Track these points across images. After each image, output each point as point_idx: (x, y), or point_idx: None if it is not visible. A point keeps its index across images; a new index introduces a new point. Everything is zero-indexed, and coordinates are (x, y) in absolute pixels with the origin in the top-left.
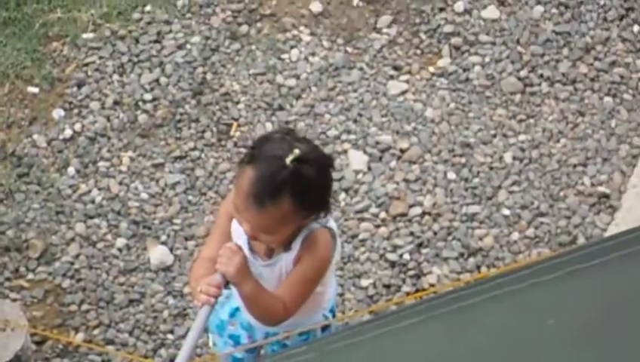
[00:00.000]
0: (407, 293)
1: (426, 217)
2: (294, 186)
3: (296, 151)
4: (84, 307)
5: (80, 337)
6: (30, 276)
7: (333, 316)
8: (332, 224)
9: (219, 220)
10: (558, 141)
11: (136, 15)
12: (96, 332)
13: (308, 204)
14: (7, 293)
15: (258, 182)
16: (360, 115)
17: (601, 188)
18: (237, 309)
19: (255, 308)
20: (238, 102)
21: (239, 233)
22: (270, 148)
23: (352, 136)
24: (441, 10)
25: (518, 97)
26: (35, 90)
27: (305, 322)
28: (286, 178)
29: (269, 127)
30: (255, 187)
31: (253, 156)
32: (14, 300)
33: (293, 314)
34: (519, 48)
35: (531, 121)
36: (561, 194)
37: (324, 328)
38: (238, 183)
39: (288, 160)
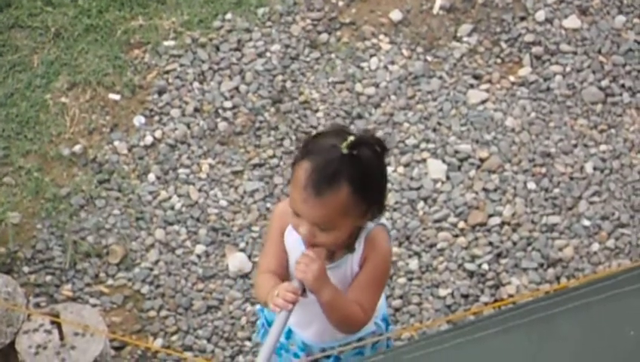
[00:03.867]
0: (486, 303)
1: (506, 227)
2: (351, 172)
3: (351, 138)
4: (163, 313)
5: (158, 343)
6: (110, 282)
7: (387, 325)
8: (382, 220)
9: (271, 233)
10: (639, 152)
11: (216, 23)
12: (174, 338)
13: (366, 192)
14: (86, 299)
15: (315, 172)
16: (439, 123)
17: None
18: (290, 331)
19: (335, 315)
20: (317, 111)
21: (295, 244)
22: (324, 140)
23: (431, 145)
24: (522, 19)
25: (599, 107)
26: (117, 97)
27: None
28: (343, 163)
29: None
30: (313, 177)
31: (308, 150)
32: (94, 306)
33: (372, 316)
34: (601, 58)
35: (612, 131)
36: None
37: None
38: (295, 179)
39: (344, 146)
